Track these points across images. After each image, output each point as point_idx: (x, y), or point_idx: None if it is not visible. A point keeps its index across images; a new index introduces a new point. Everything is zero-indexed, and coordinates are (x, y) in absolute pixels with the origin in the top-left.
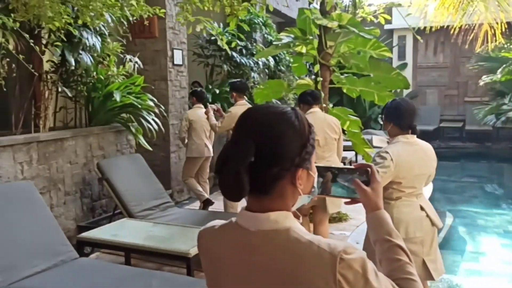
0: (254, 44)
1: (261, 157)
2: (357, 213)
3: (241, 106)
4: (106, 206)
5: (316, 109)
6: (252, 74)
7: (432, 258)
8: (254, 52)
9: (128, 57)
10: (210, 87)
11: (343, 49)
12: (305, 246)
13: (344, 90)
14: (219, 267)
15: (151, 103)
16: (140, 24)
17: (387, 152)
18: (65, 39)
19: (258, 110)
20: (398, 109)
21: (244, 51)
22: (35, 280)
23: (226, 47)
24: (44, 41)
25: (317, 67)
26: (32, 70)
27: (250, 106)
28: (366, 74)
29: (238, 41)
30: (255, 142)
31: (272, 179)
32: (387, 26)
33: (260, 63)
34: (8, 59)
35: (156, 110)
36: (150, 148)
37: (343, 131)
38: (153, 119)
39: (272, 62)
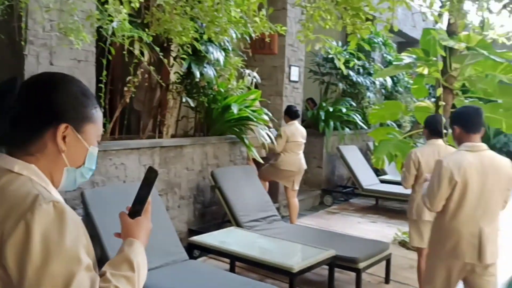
0: (372, 63)
1: None
2: None
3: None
4: (216, 213)
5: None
6: (368, 93)
7: None
8: (372, 72)
9: (247, 71)
10: (324, 104)
11: (470, 72)
12: None
13: None
14: None
15: (266, 117)
16: (261, 40)
17: None
18: (191, 53)
19: None
20: None
21: (361, 70)
22: (149, 276)
23: (342, 67)
24: (173, 55)
25: (439, 90)
26: (160, 81)
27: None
28: (493, 99)
29: (356, 60)
30: None
31: None
32: None
33: (377, 82)
34: (142, 70)
35: (271, 125)
36: (261, 161)
37: None
38: (266, 133)
39: (389, 82)
